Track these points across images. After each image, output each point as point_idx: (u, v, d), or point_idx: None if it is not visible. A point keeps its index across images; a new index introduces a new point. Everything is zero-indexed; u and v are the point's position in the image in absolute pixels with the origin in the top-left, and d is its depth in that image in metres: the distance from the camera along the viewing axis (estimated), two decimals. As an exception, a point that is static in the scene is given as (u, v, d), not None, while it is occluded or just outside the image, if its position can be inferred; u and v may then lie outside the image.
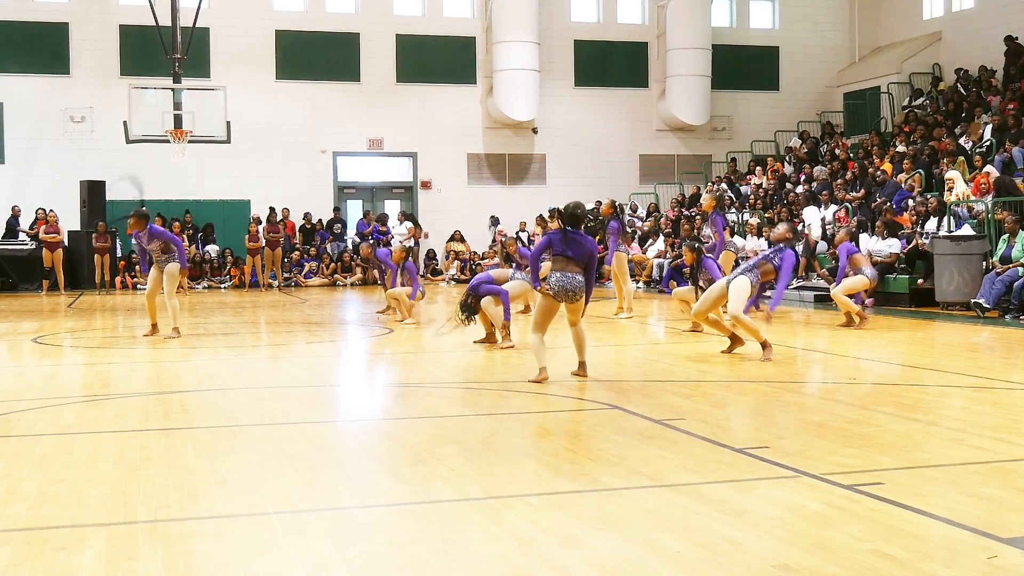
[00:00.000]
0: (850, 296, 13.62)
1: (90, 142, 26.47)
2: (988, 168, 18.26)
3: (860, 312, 13.40)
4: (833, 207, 20.58)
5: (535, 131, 29.86)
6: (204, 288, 25.42)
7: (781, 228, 10.88)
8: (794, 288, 19.27)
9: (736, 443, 6.08)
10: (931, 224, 17.09)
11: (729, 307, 10.47)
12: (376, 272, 16.51)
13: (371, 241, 16.22)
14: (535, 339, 8.80)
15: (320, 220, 28.23)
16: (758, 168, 27.57)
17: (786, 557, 4.03)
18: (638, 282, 23.32)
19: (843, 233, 14.20)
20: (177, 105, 21.83)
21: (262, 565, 4.07)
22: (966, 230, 16.09)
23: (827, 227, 19.97)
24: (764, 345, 10.25)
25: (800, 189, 23.69)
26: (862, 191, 20.71)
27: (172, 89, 22.04)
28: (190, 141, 22.10)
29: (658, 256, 23.47)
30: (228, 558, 4.15)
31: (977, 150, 20.19)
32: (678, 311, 14.38)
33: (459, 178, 29.58)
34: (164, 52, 22.42)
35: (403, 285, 14.87)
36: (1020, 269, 14.43)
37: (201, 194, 27.33)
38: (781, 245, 10.56)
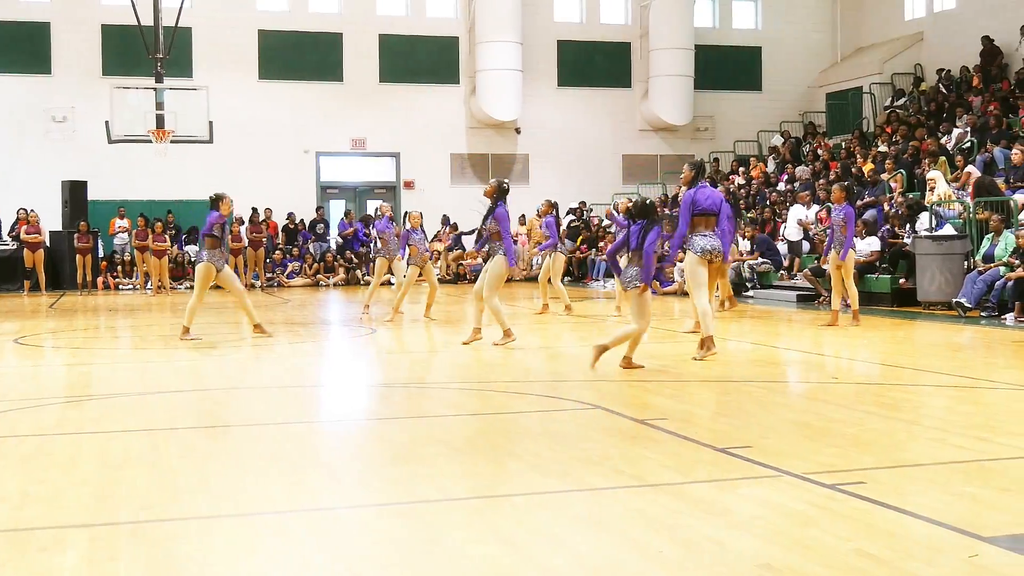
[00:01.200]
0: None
1: (72, 142, 26.31)
2: (969, 168, 18.34)
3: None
4: (816, 207, 20.65)
5: (518, 131, 29.86)
6: (187, 288, 25.31)
7: (685, 170, 10.50)
8: (777, 287, 19.35)
9: (719, 443, 6.09)
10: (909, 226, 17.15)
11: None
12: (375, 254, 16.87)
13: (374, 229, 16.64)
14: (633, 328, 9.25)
15: (303, 220, 28.15)
16: (741, 168, 27.63)
17: (769, 556, 4.04)
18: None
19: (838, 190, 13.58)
20: (159, 105, 21.71)
21: (246, 566, 4.06)
22: (948, 230, 16.16)
23: (810, 228, 20.03)
24: (705, 342, 9.85)
25: (782, 187, 23.75)
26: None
27: (154, 89, 21.91)
28: (172, 141, 21.98)
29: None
30: (212, 559, 4.13)
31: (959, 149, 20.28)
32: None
33: (442, 178, 29.54)
34: (146, 52, 22.30)
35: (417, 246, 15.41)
36: (1001, 269, 14.51)
37: (183, 194, 27.16)
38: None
